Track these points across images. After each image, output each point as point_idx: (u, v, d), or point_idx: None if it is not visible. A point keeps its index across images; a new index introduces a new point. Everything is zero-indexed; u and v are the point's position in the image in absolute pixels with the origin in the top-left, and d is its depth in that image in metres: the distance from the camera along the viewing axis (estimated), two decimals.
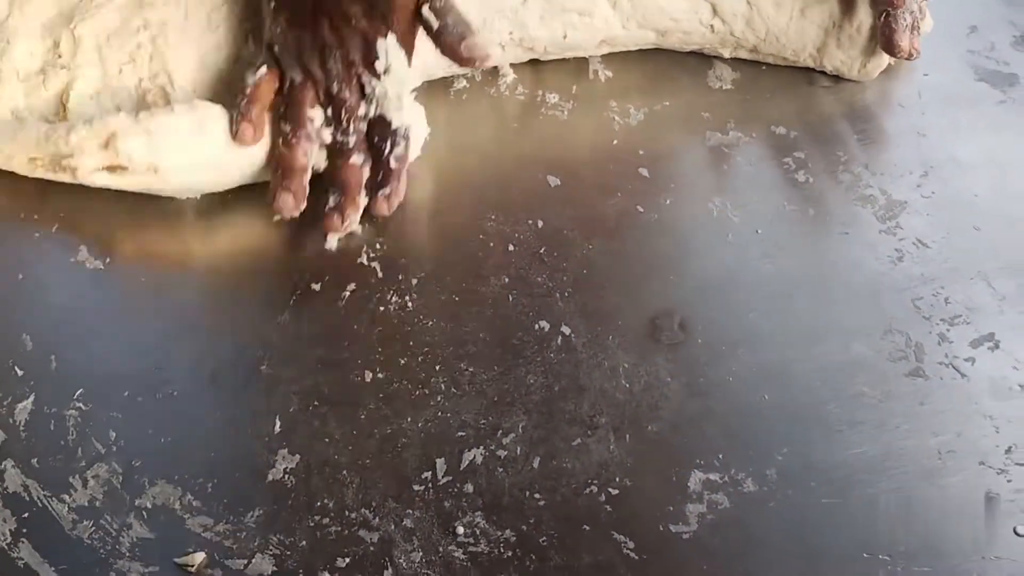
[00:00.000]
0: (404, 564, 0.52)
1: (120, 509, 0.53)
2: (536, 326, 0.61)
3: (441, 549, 0.52)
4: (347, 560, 0.52)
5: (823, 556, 0.53)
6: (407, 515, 0.53)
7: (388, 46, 0.66)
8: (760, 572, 0.52)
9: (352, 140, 0.66)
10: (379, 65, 0.65)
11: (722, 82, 0.76)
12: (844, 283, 0.65)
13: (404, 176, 0.66)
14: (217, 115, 0.65)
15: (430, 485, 0.55)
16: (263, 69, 0.66)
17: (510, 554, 0.52)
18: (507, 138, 0.72)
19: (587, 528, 0.53)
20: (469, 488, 0.55)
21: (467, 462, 0.56)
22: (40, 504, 0.53)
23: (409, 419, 0.57)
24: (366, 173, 0.66)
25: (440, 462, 0.56)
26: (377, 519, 0.53)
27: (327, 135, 0.66)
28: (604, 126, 0.73)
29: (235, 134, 0.64)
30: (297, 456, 0.55)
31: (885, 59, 0.76)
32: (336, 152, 0.66)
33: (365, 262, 0.65)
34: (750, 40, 0.75)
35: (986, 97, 0.76)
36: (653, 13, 0.74)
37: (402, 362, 0.60)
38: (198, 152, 0.65)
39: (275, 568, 0.52)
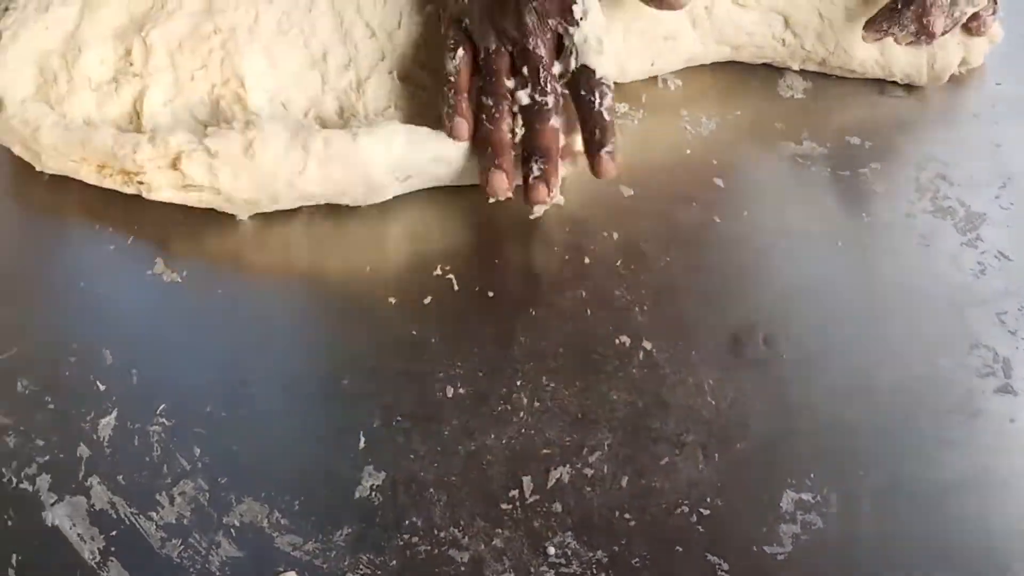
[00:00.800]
0: None
1: (208, 527, 0.53)
2: (617, 341, 0.61)
3: (533, 570, 0.52)
4: None
5: None
6: (496, 534, 0.53)
7: None
8: None
9: (551, 100, 0.62)
10: (577, 10, 0.62)
11: (793, 91, 0.75)
12: (927, 296, 0.64)
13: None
14: (279, 133, 0.64)
15: (518, 504, 0.54)
16: (460, 50, 0.63)
17: None
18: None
19: (680, 550, 0.52)
20: (558, 507, 0.54)
21: (554, 480, 0.55)
22: (128, 522, 0.53)
23: (493, 435, 0.57)
24: (562, 138, 0.63)
25: (527, 480, 0.55)
26: (467, 538, 0.53)
27: (524, 97, 0.62)
28: (676, 135, 0.72)
29: (451, 131, 0.61)
30: (383, 473, 0.55)
31: (953, 61, 0.75)
32: (535, 115, 0.62)
33: (440, 274, 0.64)
34: (819, 53, 0.74)
35: None
36: (729, 29, 0.74)
37: (482, 376, 0.59)
38: (256, 174, 0.63)
39: None
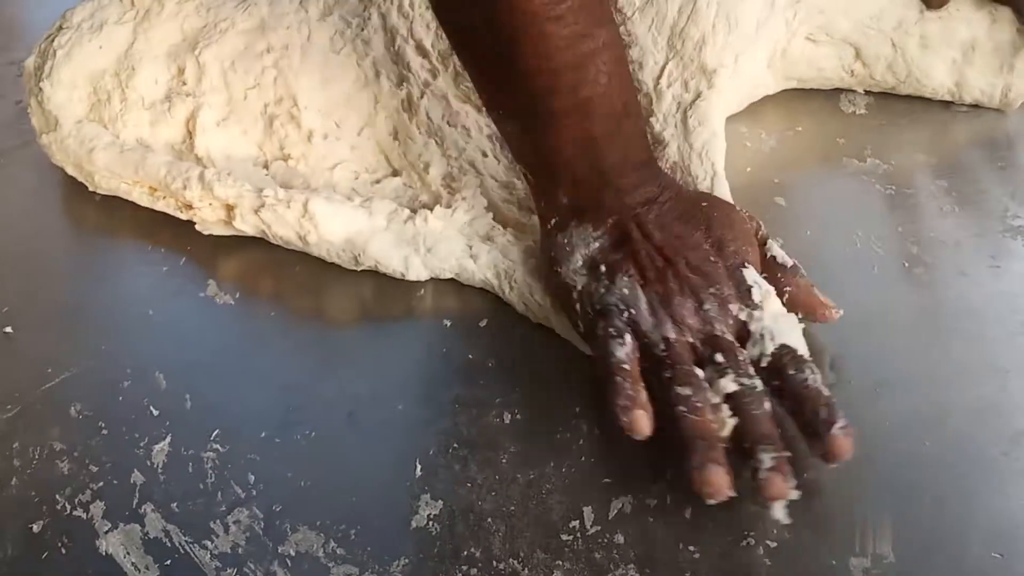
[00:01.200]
0: None
1: (263, 556, 0.52)
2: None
3: None
4: None
5: None
6: (557, 566, 0.51)
7: (750, 273, 0.59)
8: None
9: (758, 383, 0.56)
10: (755, 294, 0.58)
11: (855, 107, 0.74)
12: (996, 319, 0.62)
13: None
14: (328, 208, 0.63)
15: (579, 534, 0.53)
16: (627, 337, 0.57)
17: None
18: None
19: None
20: (620, 539, 0.52)
21: (615, 510, 0.53)
22: (182, 550, 0.52)
23: (552, 464, 0.55)
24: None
25: (587, 510, 0.53)
26: (526, 570, 0.51)
27: (730, 384, 0.55)
28: (736, 152, 0.70)
29: (630, 425, 0.54)
30: (440, 502, 0.54)
31: None
32: (749, 401, 0.55)
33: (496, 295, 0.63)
34: (888, 82, 0.73)
35: None
36: (803, 66, 0.73)
37: (540, 402, 0.58)
38: (309, 240, 0.64)
39: None
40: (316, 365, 0.60)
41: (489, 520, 0.53)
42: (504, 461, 0.56)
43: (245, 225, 0.63)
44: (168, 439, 0.56)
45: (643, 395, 0.55)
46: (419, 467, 0.55)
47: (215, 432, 0.56)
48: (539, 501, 0.54)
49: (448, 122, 0.68)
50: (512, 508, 0.54)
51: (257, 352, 0.61)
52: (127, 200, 0.67)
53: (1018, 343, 0.60)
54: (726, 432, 0.54)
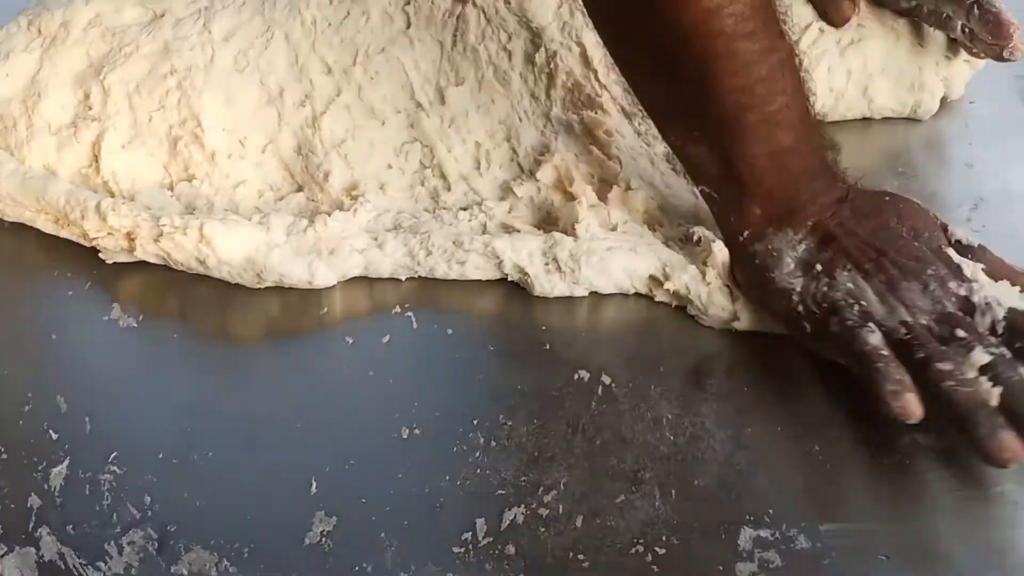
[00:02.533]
0: None
1: None
2: (576, 376, 0.60)
3: None
4: None
5: None
6: None
7: (952, 253, 0.61)
8: None
9: (1007, 351, 0.56)
10: (966, 270, 0.60)
11: None
12: None
13: None
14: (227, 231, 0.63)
15: (471, 546, 0.53)
16: (871, 325, 0.58)
17: None
18: None
19: None
20: (511, 549, 0.53)
21: (508, 521, 0.54)
22: (76, 573, 0.52)
23: (447, 477, 0.56)
24: None
25: (480, 522, 0.54)
26: None
27: (983, 356, 0.56)
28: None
29: (903, 409, 0.55)
30: (334, 518, 0.54)
31: (934, 106, 0.75)
32: (1007, 366, 0.56)
33: (400, 311, 0.64)
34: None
35: None
36: None
37: (438, 416, 0.59)
38: (209, 264, 0.64)
39: None
40: (217, 385, 0.60)
41: (383, 534, 0.54)
42: (400, 476, 0.56)
43: (146, 254, 0.63)
44: (66, 462, 0.56)
45: (908, 378, 0.56)
46: (315, 484, 0.55)
47: (113, 454, 0.57)
48: (432, 514, 0.54)
49: (352, 136, 0.69)
50: (406, 522, 0.54)
51: (159, 374, 0.61)
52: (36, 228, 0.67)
53: None
54: (994, 403, 0.55)
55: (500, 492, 0.55)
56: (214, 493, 0.55)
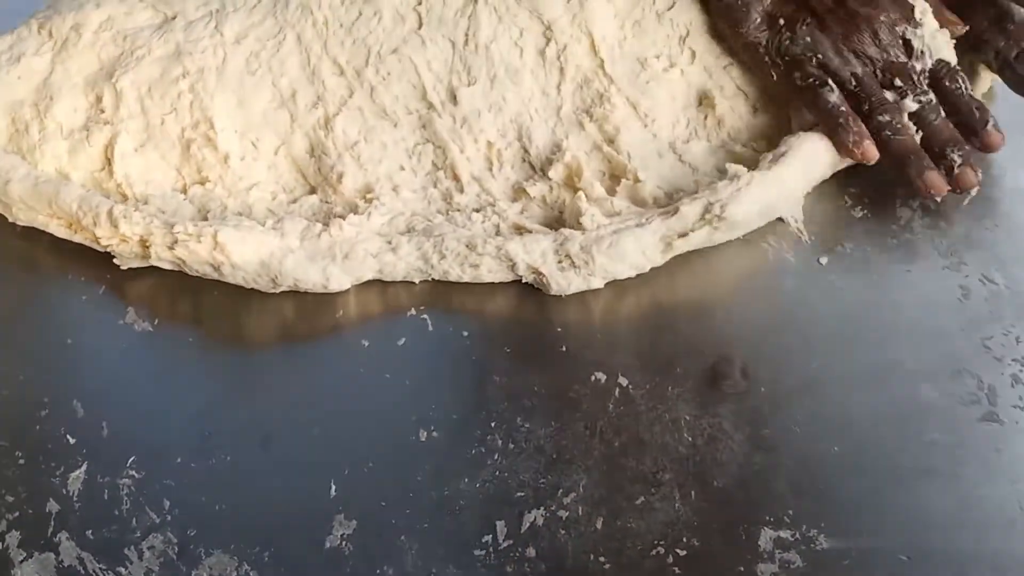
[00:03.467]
0: None
1: None
2: (592, 378, 0.60)
3: None
4: None
5: None
6: None
7: None
8: None
9: (933, 96, 0.67)
10: (917, 12, 0.69)
11: None
12: (908, 323, 0.63)
13: None
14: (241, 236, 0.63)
15: (491, 549, 0.53)
16: (830, 83, 0.67)
17: None
18: None
19: None
20: (531, 552, 0.53)
21: (527, 524, 0.54)
22: None
23: (466, 479, 0.56)
24: None
25: (500, 525, 0.54)
26: None
27: (911, 104, 0.67)
28: None
29: (863, 154, 0.65)
30: (354, 521, 0.54)
31: None
32: (929, 113, 0.67)
33: (415, 314, 0.64)
34: None
35: None
36: None
37: (455, 418, 0.59)
38: (224, 271, 0.64)
39: None
40: (233, 389, 0.60)
41: (403, 538, 0.54)
42: (419, 478, 0.56)
43: (160, 260, 0.63)
44: (84, 467, 0.56)
45: (864, 127, 0.65)
46: (334, 487, 0.55)
47: (131, 459, 0.57)
48: (453, 517, 0.54)
49: (365, 138, 0.68)
50: (426, 525, 0.54)
51: (175, 378, 0.61)
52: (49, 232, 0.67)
53: (928, 347, 0.61)
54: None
55: (519, 494, 0.55)
56: (233, 498, 0.55)
